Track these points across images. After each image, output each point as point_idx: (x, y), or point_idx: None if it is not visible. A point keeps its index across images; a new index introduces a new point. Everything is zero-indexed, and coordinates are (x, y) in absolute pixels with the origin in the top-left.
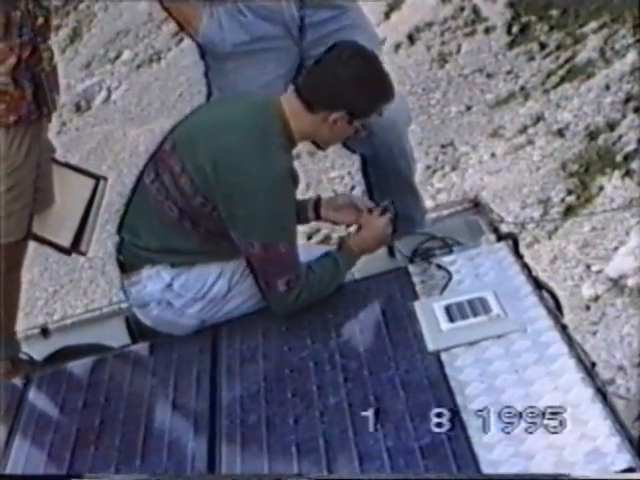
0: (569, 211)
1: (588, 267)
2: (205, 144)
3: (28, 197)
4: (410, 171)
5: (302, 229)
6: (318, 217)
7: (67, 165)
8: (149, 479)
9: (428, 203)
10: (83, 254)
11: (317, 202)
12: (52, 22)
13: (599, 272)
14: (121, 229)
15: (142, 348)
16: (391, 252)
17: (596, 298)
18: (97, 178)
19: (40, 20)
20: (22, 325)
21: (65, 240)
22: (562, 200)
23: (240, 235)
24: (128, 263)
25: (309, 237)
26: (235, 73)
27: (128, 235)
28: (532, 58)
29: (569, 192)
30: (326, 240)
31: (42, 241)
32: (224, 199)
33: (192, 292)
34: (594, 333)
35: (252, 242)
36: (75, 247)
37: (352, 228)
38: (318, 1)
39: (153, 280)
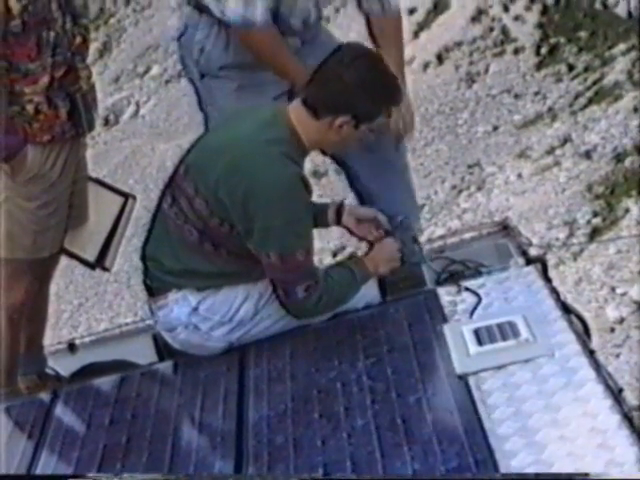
0: (595, 233)
1: (613, 289)
2: (213, 164)
3: (63, 213)
4: (406, 166)
5: (327, 246)
6: (338, 222)
7: (98, 181)
8: (155, 479)
9: (454, 223)
10: (107, 270)
11: (339, 207)
12: (90, 41)
13: (624, 295)
14: (144, 258)
15: (169, 366)
16: (382, 287)
17: (621, 321)
18: (126, 196)
19: (78, 39)
20: (47, 337)
21: (91, 255)
22: (588, 222)
23: (257, 247)
24: (155, 287)
25: (334, 254)
26: (237, 94)
27: (151, 262)
28: (560, 79)
29: (595, 214)
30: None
31: (68, 254)
32: (239, 214)
33: (219, 315)
34: (617, 355)
35: (269, 252)
36: (100, 262)
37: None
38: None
39: (180, 304)
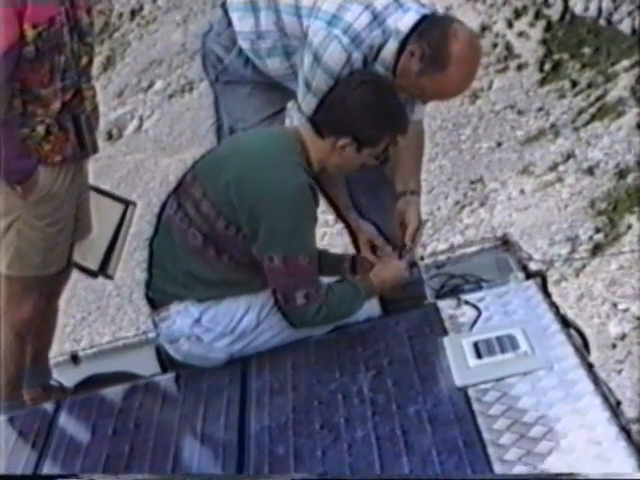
0: (597, 249)
1: (615, 305)
2: (225, 167)
3: (70, 229)
4: None
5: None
6: (354, 271)
7: (97, 189)
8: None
9: (456, 239)
10: (110, 277)
11: (353, 258)
12: (94, 60)
13: (626, 310)
14: (151, 268)
15: (172, 377)
16: (382, 299)
17: (622, 336)
18: (126, 203)
19: (84, 60)
20: (50, 351)
21: (93, 263)
22: (590, 238)
23: (262, 249)
24: (157, 299)
25: None
26: (247, 100)
27: (156, 270)
28: (563, 96)
29: (597, 230)
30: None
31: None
32: (246, 216)
33: (221, 326)
34: (619, 371)
35: (272, 255)
36: (102, 270)
37: None
38: None
39: (182, 315)
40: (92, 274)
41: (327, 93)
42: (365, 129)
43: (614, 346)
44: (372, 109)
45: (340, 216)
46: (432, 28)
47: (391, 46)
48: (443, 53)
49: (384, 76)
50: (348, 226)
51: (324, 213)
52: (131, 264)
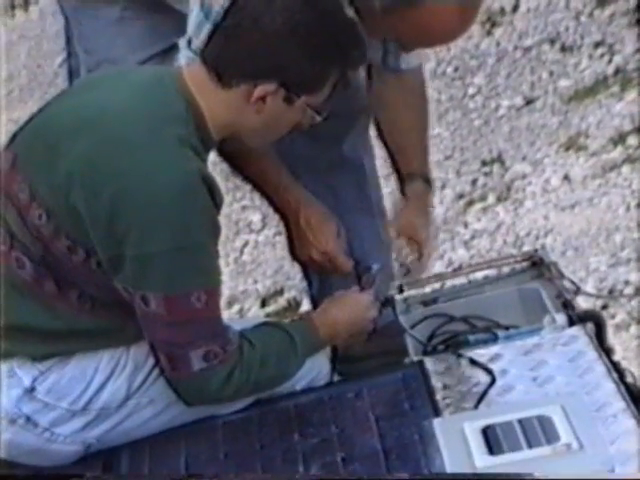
0: None
1: None
2: (65, 150)
3: None
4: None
5: (254, 288)
6: None
7: None
8: None
9: (458, 254)
10: None
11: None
12: None
13: None
14: None
15: None
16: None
17: None
18: None
19: None
20: None
21: None
22: None
23: (129, 284)
24: None
25: (263, 303)
26: (116, 29)
27: None
28: (637, 21)
29: None
30: (289, 311)
31: None
32: (102, 233)
33: (67, 400)
34: None
35: (146, 293)
36: None
37: None
38: None
39: (4, 384)
40: None
41: (226, 12)
42: (297, 65)
43: None
44: (305, 32)
45: (272, 203)
46: None
47: None
48: None
49: None
50: (282, 216)
51: (245, 210)
52: None
